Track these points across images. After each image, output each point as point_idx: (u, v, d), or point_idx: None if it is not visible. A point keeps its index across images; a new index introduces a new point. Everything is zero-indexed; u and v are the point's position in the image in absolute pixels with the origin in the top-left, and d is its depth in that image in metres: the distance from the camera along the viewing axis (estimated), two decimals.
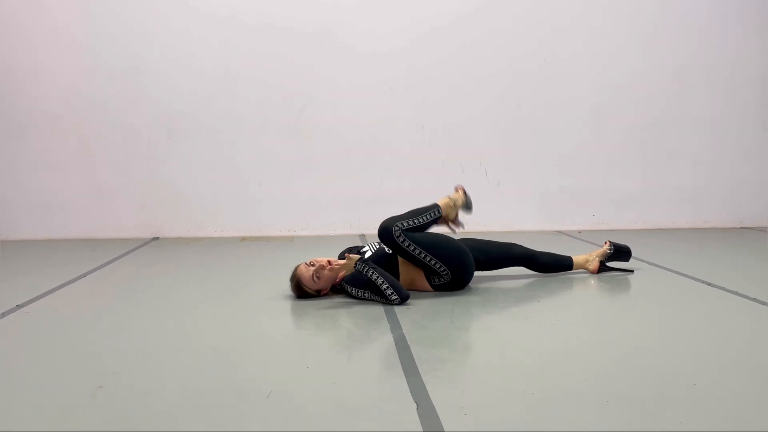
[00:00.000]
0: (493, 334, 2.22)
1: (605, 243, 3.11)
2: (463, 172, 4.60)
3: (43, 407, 1.58)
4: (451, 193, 2.84)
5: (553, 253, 3.08)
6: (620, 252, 3.06)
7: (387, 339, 2.09)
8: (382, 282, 2.50)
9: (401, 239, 2.61)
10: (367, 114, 4.52)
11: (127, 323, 2.33)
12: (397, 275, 2.67)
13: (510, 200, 4.65)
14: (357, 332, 2.23)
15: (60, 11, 4.28)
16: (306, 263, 2.65)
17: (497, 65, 4.56)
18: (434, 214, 2.74)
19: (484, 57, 4.55)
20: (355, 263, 2.54)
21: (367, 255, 2.72)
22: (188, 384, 1.72)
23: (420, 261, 2.65)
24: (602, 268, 3.06)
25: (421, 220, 2.70)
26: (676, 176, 4.76)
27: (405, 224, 2.65)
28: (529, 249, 3.02)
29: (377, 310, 2.45)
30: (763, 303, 2.49)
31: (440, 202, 2.78)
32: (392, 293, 2.50)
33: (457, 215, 2.83)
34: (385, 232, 2.62)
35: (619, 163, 4.71)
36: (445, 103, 4.56)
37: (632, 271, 3.08)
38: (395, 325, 2.24)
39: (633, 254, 3.10)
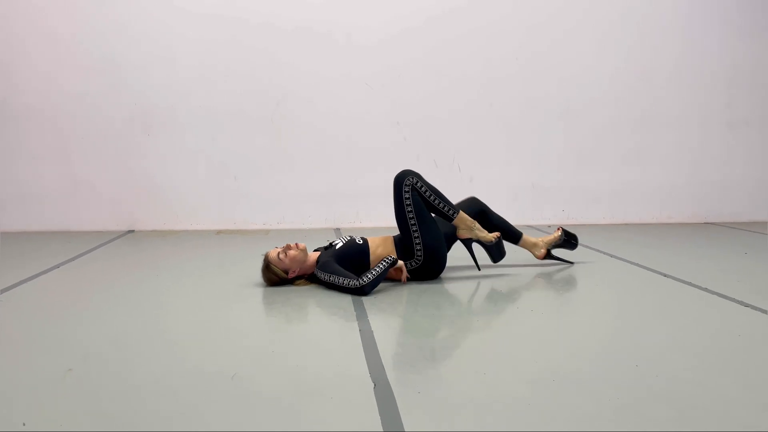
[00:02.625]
0: (454, 321, 2.31)
1: (558, 230, 3.18)
2: (437, 167, 4.70)
3: (13, 387, 1.63)
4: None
5: (507, 221, 3.15)
6: (569, 240, 3.14)
7: (352, 325, 2.17)
8: (340, 281, 2.58)
9: (406, 190, 2.70)
10: (343, 109, 4.59)
11: (98, 312, 2.38)
12: (368, 264, 2.74)
13: (482, 195, 4.64)
14: (324, 319, 2.30)
15: (37, 2, 4.28)
16: (274, 248, 2.77)
17: (471, 64, 4.66)
18: (448, 210, 2.78)
19: (458, 56, 4.64)
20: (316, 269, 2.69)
21: (338, 246, 2.79)
22: (155, 367, 1.78)
23: (404, 224, 2.72)
24: (548, 255, 3.15)
25: (434, 198, 2.75)
26: (644, 174, 4.90)
27: (420, 185, 2.73)
28: (486, 206, 3.10)
29: (345, 298, 2.53)
30: (712, 292, 2.61)
31: (463, 214, 2.82)
32: (349, 282, 2.55)
33: (468, 240, 2.85)
34: (401, 177, 2.73)
35: (589, 160, 4.84)
36: (420, 100, 4.64)
37: (572, 263, 3.17)
38: (362, 313, 2.32)
39: (600, 248, 3.20)
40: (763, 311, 2.33)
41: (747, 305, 2.42)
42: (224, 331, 2.14)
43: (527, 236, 3.15)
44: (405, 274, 2.74)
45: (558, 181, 4.83)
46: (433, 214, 2.81)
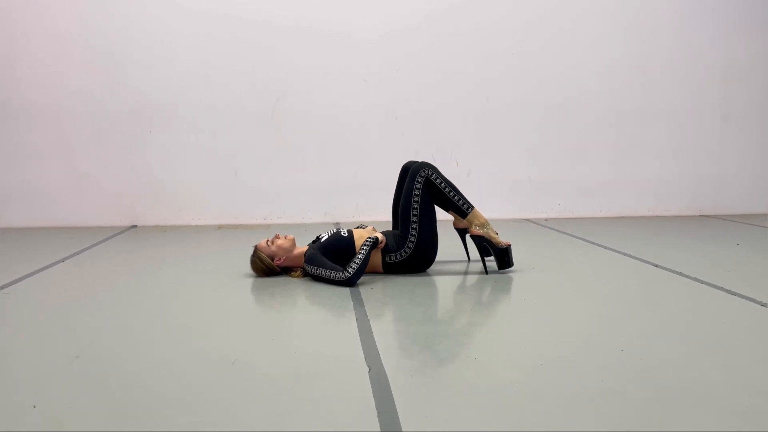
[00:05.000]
0: (447, 309, 2.38)
1: (507, 243, 2.89)
2: (435, 161, 4.74)
3: (23, 373, 1.70)
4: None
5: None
6: (501, 259, 2.86)
7: (349, 314, 2.24)
8: (326, 274, 2.64)
9: (419, 181, 2.73)
10: (342, 105, 4.65)
11: (102, 303, 2.45)
12: (353, 255, 2.78)
13: (480, 189, 4.79)
14: (321, 309, 2.37)
15: None
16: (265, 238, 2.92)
17: (468, 60, 4.71)
18: (463, 204, 2.80)
19: (455, 51, 4.69)
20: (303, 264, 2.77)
21: (323, 239, 2.84)
22: (159, 354, 1.85)
23: (406, 214, 2.75)
24: (478, 243, 2.87)
25: (449, 191, 2.77)
26: (640, 167, 4.96)
27: (435, 177, 2.75)
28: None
29: (342, 289, 2.60)
30: (702, 281, 2.68)
31: (478, 210, 2.84)
32: (335, 275, 2.62)
33: (479, 238, 2.81)
34: (418, 168, 2.76)
35: (585, 154, 4.90)
36: (417, 95, 4.70)
37: (486, 272, 2.92)
38: (358, 303, 2.39)
39: (594, 240, 3.23)
40: (750, 299, 2.39)
41: (734, 294, 2.48)
42: (225, 320, 2.21)
43: (477, 213, 2.86)
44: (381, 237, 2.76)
45: (554, 175, 4.89)
46: (449, 210, 2.85)
